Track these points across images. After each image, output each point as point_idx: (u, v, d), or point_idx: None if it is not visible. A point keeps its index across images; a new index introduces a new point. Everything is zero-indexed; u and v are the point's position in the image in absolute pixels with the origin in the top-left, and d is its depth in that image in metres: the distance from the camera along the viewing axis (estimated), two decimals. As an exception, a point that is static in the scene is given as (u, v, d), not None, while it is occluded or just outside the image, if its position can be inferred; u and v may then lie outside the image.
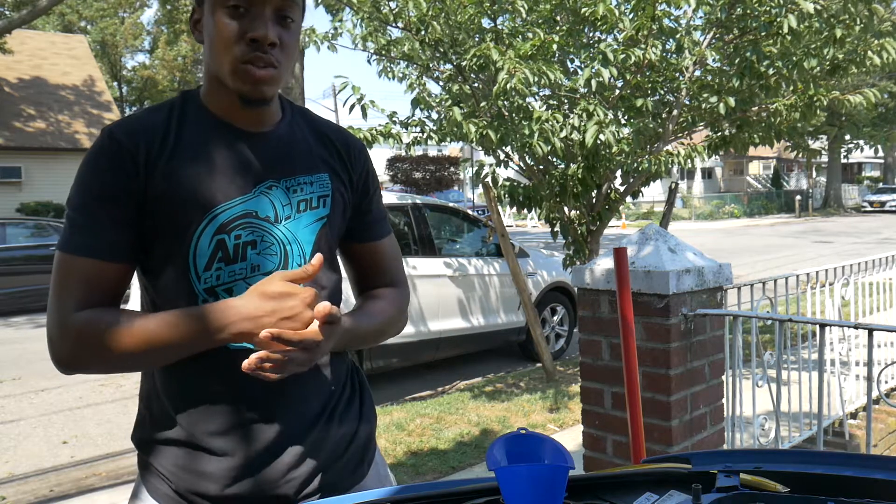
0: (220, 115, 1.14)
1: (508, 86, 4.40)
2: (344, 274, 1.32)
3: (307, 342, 1.00)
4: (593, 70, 4.51)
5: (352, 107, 5.10)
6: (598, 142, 4.57)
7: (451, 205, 7.27)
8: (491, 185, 5.43)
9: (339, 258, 1.31)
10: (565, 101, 5.41)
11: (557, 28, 5.32)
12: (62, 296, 1.05)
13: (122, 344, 1.03)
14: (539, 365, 6.19)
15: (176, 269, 1.10)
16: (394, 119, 5.54)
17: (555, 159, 5.67)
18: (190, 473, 1.12)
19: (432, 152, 30.56)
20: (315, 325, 1.02)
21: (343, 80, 5.13)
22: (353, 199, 1.26)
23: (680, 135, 5.83)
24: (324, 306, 1.01)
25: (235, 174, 1.12)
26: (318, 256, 1.03)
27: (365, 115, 5.08)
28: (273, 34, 1.07)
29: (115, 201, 1.06)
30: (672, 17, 5.00)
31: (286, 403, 1.13)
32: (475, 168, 5.79)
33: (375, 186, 1.32)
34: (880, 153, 38.24)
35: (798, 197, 35.01)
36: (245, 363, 0.98)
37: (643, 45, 4.65)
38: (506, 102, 4.90)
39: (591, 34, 5.43)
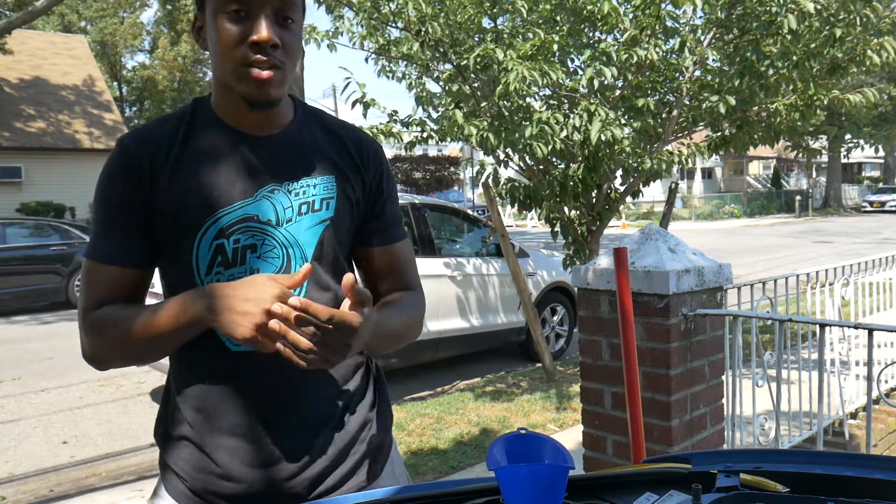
0: (228, 121, 1.15)
1: (512, 87, 4.39)
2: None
3: (338, 322, 0.97)
4: (595, 70, 4.51)
5: (354, 103, 5.10)
6: (601, 141, 4.57)
7: (451, 205, 7.27)
8: (492, 184, 5.43)
9: (353, 263, 1.29)
10: (565, 100, 5.41)
11: (557, 28, 5.32)
12: (83, 297, 1.14)
13: (127, 335, 1.09)
14: (539, 365, 6.19)
15: (183, 273, 1.13)
16: (394, 118, 5.54)
17: (555, 159, 5.67)
18: (203, 473, 1.14)
19: (432, 152, 30.57)
20: (346, 308, 1.00)
21: (347, 76, 5.14)
22: (365, 201, 1.24)
23: (680, 135, 5.84)
24: (347, 277, 0.99)
25: (237, 179, 1.13)
26: (307, 266, 1.03)
27: (365, 114, 5.09)
28: (274, 36, 1.07)
29: (125, 209, 1.12)
30: (674, 17, 5.00)
31: (295, 404, 1.14)
32: (476, 168, 5.80)
33: (391, 189, 1.29)
34: (880, 153, 38.22)
35: (798, 197, 35.01)
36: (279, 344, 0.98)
37: (645, 45, 4.64)
38: (506, 102, 4.90)
39: (591, 34, 5.43)
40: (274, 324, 0.96)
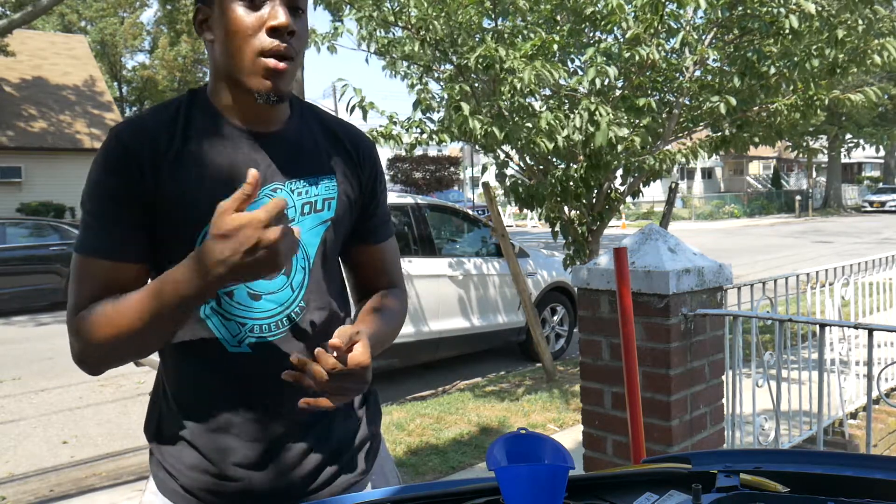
0: (228, 116, 1.13)
1: (519, 85, 4.39)
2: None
3: (345, 370, 1.01)
4: (598, 69, 4.51)
5: (352, 108, 5.10)
6: (606, 140, 4.56)
7: (451, 205, 7.27)
8: (497, 181, 5.44)
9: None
10: (566, 100, 5.41)
11: (558, 28, 5.32)
12: (73, 296, 1.06)
13: (113, 325, 1.01)
14: (539, 365, 6.19)
15: None
16: (394, 120, 5.54)
17: (555, 159, 5.66)
18: (196, 471, 1.14)
19: (432, 152, 30.56)
20: (360, 347, 1.03)
21: (343, 82, 5.14)
22: (360, 201, 1.25)
23: (680, 135, 5.83)
24: (342, 330, 1.02)
25: (241, 176, 1.11)
26: (253, 171, 0.93)
27: (365, 117, 5.09)
28: (291, 22, 1.06)
29: (123, 203, 1.06)
30: (676, 17, 5.00)
31: (288, 402, 1.13)
32: (480, 167, 5.81)
33: (383, 188, 1.31)
34: (881, 152, 38.19)
35: (798, 197, 35.00)
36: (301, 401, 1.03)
37: (648, 45, 4.64)
38: (507, 102, 4.90)
39: (591, 34, 5.43)
40: (272, 233, 0.92)
